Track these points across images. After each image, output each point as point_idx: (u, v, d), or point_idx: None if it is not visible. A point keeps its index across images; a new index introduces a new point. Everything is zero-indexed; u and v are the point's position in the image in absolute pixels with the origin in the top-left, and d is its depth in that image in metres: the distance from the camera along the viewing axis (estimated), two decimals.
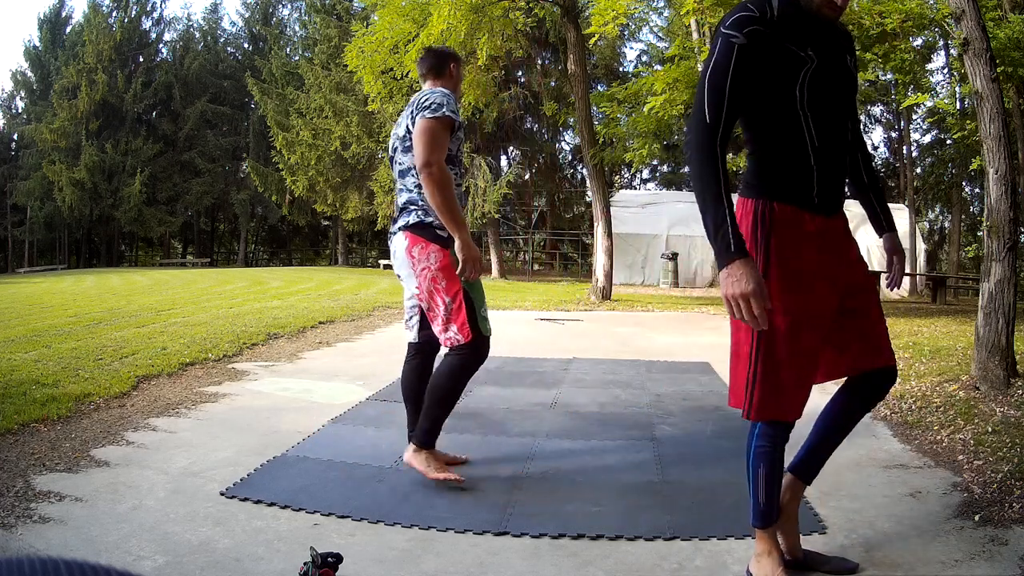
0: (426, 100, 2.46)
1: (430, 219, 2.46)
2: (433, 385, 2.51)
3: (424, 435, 2.49)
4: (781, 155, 1.67)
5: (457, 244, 2.40)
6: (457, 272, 2.42)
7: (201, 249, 32.55)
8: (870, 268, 1.94)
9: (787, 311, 1.65)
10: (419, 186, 2.47)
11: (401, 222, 2.53)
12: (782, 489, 1.84)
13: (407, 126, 2.50)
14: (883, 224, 1.92)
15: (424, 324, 2.63)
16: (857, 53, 1.84)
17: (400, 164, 2.56)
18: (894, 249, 1.93)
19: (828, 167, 1.68)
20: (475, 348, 2.47)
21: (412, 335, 2.68)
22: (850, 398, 1.84)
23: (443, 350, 2.57)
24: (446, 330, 2.46)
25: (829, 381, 1.83)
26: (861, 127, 1.88)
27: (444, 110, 2.42)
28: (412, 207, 2.50)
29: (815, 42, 1.62)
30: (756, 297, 1.51)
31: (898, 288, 1.95)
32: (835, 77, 1.67)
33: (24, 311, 8.12)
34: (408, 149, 2.50)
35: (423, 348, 2.68)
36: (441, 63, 2.65)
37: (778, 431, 1.75)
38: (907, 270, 1.98)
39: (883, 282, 1.87)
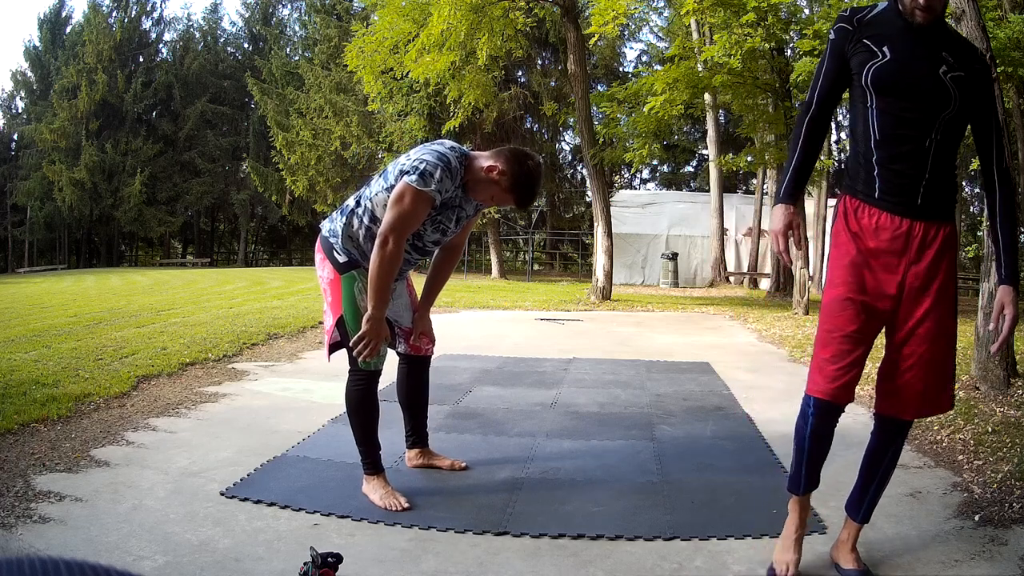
0: (419, 160, 2.20)
1: (335, 240, 2.37)
2: (345, 406, 2.46)
3: (362, 460, 2.40)
4: (854, 148, 1.83)
5: (366, 316, 2.24)
6: (352, 340, 2.27)
7: (201, 249, 32.54)
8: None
9: (832, 287, 1.81)
10: (351, 221, 2.35)
11: (323, 224, 2.46)
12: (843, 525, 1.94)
13: (395, 173, 2.26)
14: (1000, 273, 1.81)
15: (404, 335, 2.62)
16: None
17: (368, 185, 2.40)
18: (1002, 305, 1.75)
19: (892, 163, 1.73)
20: (358, 371, 2.36)
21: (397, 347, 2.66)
22: (875, 433, 1.91)
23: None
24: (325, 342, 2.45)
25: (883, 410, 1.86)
26: (1001, 168, 1.80)
27: (432, 186, 2.18)
28: (336, 218, 2.41)
29: (898, 44, 1.73)
30: (779, 235, 1.82)
31: (997, 350, 1.89)
32: (911, 79, 1.71)
33: (24, 311, 8.12)
34: (385, 185, 2.28)
35: (409, 357, 2.66)
36: (489, 159, 2.28)
37: (810, 407, 1.83)
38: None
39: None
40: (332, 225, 2.41)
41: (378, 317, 2.24)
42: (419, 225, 2.29)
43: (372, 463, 2.39)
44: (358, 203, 2.38)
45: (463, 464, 2.68)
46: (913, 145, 1.72)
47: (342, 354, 2.42)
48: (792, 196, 1.86)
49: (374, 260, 2.20)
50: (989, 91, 1.79)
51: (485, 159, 2.29)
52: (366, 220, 2.33)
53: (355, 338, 2.26)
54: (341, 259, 2.35)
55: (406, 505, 2.27)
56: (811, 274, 10.31)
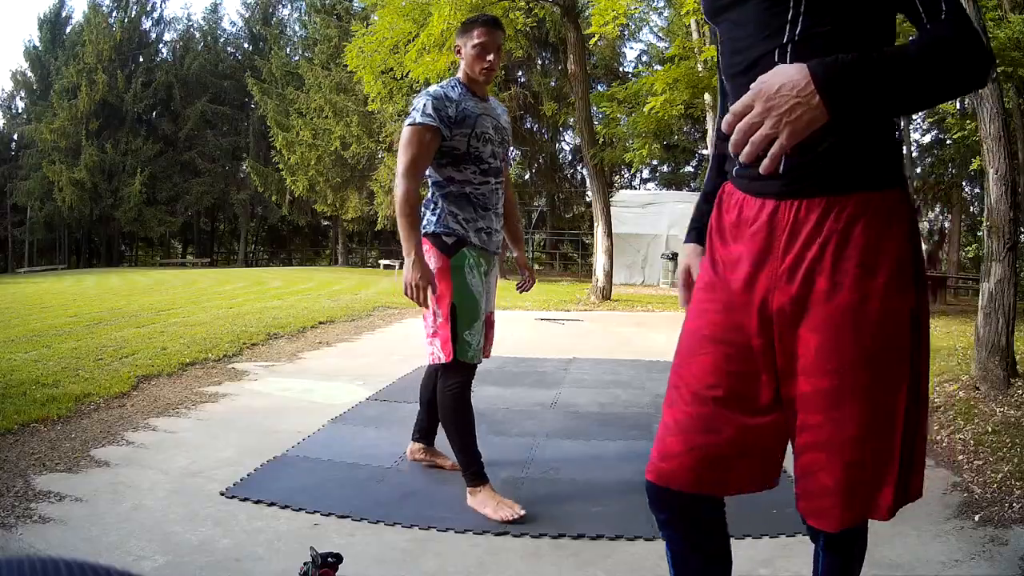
0: (411, 106, 2.30)
1: (440, 228, 2.31)
2: (439, 415, 2.39)
3: (464, 471, 2.32)
4: None
5: (406, 263, 2.18)
6: (405, 291, 2.22)
7: (201, 249, 32.53)
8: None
9: (686, 320, 1.20)
10: (437, 200, 2.34)
11: (423, 227, 2.38)
12: None
13: None
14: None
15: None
16: None
17: None
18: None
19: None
20: (455, 370, 2.27)
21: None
22: (815, 555, 1.28)
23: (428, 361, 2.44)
24: (431, 343, 2.31)
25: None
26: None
27: (417, 116, 2.22)
28: (425, 213, 2.38)
29: None
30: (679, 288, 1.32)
31: None
32: None
33: (24, 311, 8.12)
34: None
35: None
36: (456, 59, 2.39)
37: (648, 500, 1.22)
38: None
39: None
40: (428, 218, 2.34)
41: (412, 262, 2.15)
42: (431, 159, 2.26)
43: (475, 473, 2.29)
44: (427, 186, 2.39)
45: None
46: (757, 65, 1.03)
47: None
48: (691, 232, 1.32)
49: (395, 202, 2.23)
50: None
51: (459, 64, 2.38)
52: (443, 186, 2.32)
53: (404, 289, 2.20)
54: (449, 241, 2.29)
55: (522, 512, 2.16)
56: None
